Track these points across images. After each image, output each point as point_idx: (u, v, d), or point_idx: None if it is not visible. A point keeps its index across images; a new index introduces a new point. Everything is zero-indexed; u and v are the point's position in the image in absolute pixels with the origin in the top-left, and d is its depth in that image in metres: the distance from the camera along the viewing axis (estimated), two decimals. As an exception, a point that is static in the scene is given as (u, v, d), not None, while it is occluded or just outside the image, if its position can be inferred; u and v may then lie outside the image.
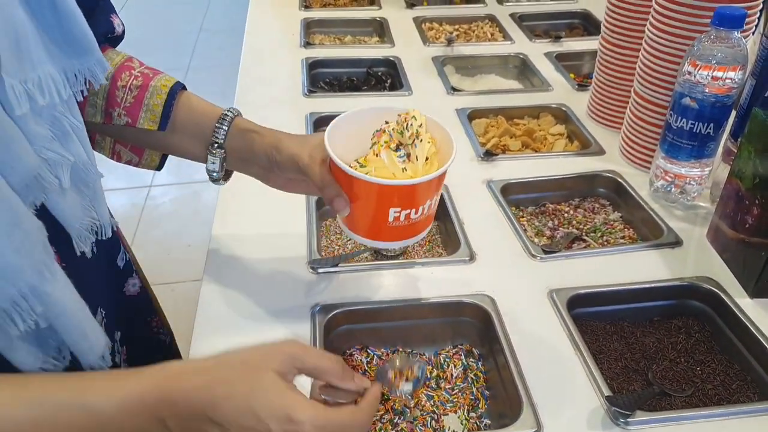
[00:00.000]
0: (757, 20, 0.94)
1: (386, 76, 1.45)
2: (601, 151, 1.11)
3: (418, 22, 1.66)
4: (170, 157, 0.81)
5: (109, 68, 0.63)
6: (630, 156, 1.06)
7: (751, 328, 0.74)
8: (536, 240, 0.95)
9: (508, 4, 1.78)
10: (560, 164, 1.07)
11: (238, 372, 0.49)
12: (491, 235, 0.91)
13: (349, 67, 1.46)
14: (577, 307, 0.79)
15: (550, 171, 1.05)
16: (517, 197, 1.02)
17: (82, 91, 0.56)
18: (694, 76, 0.85)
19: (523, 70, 1.48)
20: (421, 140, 0.64)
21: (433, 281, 0.83)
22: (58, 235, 0.55)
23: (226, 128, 0.72)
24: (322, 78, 1.45)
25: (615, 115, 1.16)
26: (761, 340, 0.73)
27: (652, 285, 0.81)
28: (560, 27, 1.72)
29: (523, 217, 1.01)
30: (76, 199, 0.58)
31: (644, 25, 1.00)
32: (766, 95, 0.85)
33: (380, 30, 1.66)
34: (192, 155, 0.76)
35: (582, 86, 1.33)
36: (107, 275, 0.69)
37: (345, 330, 0.79)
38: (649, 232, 0.94)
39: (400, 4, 1.78)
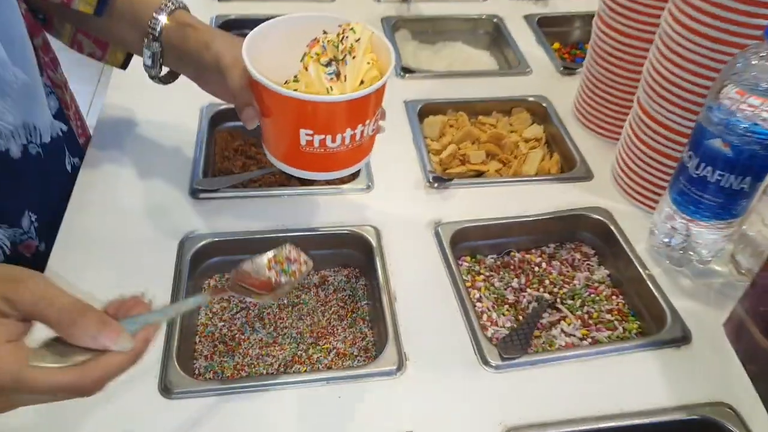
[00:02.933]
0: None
1: (323, 43, 1.13)
2: (588, 175, 0.84)
3: (371, -36, 1.32)
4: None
5: None
6: (626, 187, 0.80)
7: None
8: (495, 315, 0.70)
9: (484, -58, 1.44)
10: (533, 195, 0.81)
11: None
12: (429, 322, 0.66)
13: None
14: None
15: (519, 205, 0.79)
16: (474, 243, 0.77)
17: None
18: (733, 108, 0.58)
19: (496, 38, 1.18)
20: (355, 57, 0.56)
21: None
22: None
23: (164, 19, 0.65)
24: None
25: (610, 122, 0.89)
26: None
27: (652, 420, 0.57)
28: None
29: (480, 273, 0.75)
30: None
31: (662, 10, 0.72)
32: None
33: (322, -26, 1.32)
34: (131, 47, 0.71)
35: (569, 70, 1.04)
36: (56, 179, 0.72)
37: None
38: (643, 306, 0.70)
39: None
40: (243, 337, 0.67)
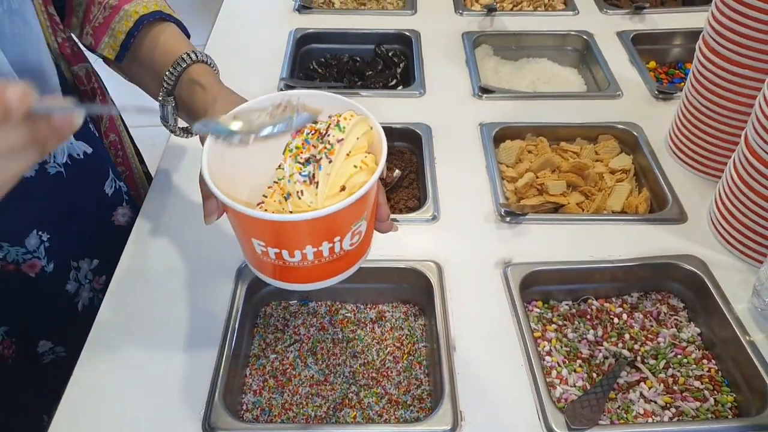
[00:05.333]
0: None
1: (399, 58, 1.10)
2: (681, 217, 0.75)
3: (455, -26, 1.27)
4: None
5: None
6: (726, 235, 0.71)
7: None
8: (565, 371, 0.64)
9: (577, -49, 1.35)
10: (617, 236, 0.73)
11: None
12: (490, 377, 0.60)
13: (353, 42, 1.12)
14: None
15: (600, 247, 0.72)
16: (547, 288, 0.70)
17: None
18: None
19: (585, 55, 1.09)
20: (331, 161, 0.47)
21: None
22: None
23: (177, 75, 0.61)
24: (316, 56, 1.11)
25: (710, 158, 0.80)
26: None
27: None
28: (645, -15, 1.29)
29: (551, 321, 0.69)
30: None
31: (779, 40, 0.63)
32: None
33: (404, -17, 1.28)
34: (153, 96, 0.66)
35: (665, 94, 0.95)
36: (81, 200, 0.70)
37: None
38: (741, 377, 0.61)
39: (435, -53, 1.37)
40: (294, 372, 0.64)
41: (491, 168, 0.83)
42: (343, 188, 0.48)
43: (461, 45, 1.08)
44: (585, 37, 1.09)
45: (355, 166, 0.48)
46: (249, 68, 1.02)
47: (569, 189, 0.84)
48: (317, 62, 1.10)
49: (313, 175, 0.48)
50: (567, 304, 0.71)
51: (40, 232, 0.66)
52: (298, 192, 0.48)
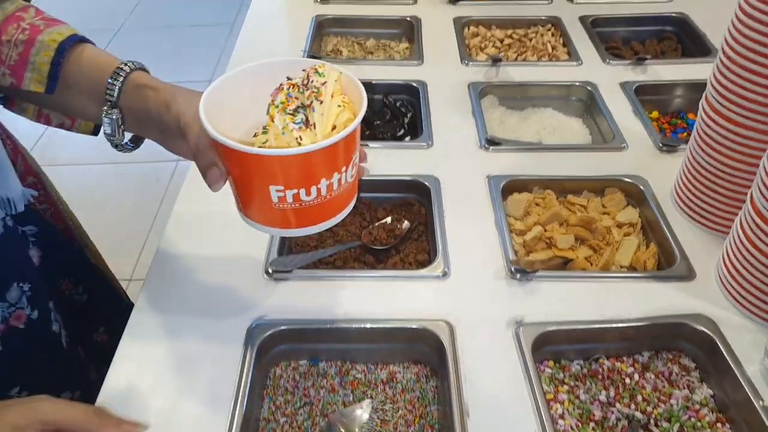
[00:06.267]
0: None
1: (406, 108, 1.11)
2: (689, 274, 0.76)
3: (460, 24, 1.30)
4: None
5: None
6: (735, 294, 0.72)
7: None
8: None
9: (579, 1, 1.38)
10: (627, 294, 0.74)
11: None
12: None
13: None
14: None
15: (610, 306, 0.72)
16: (558, 348, 0.71)
17: None
18: None
19: (589, 105, 1.11)
20: (322, 102, 0.52)
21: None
22: None
23: (120, 84, 0.61)
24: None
25: (716, 214, 0.81)
26: None
27: None
28: (645, 35, 1.32)
29: (564, 382, 0.69)
30: None
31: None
32: None
33: (410, 33, 1.31)
34: (91, 117, 0.66)
35: (669, 147, 0.96)
36: (12, 247, 0.69)
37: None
38: (756, 441, 0.61)
39: (440, -3, 1.41)
40: (305, 436, 0.64)
41: (500, 221, 0.84)
42: (334, 127, 0.53)
43: (467, 95, 1.10)
44: (589, 88, 1.11)
45: (339, 106, 0.53)
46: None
47: (577, 243, 0.85)
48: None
49: (307, 119, 0.52)
50: (578, 364, 0.71)
51: (20, 284, 0.67)
52: (297, 138, 0.51)
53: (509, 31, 1.30)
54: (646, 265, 0.80)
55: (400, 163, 0.95)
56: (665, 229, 0.83)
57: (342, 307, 0.72)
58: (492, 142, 0.98)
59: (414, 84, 1.12)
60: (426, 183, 0.91)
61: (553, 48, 1.24)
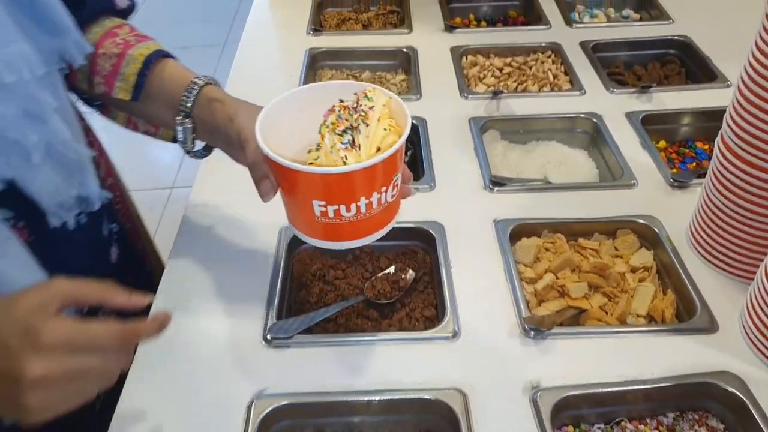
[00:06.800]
0: None
1: (406, 146, 1.08)
2: (711, 326, 0.72)
3: (458, 53, 1.27)
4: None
5: (88, 49, 0.65)
6: (763, 348, 0.68)
7: None
8: None
9: (578, 26, 1.36)
10: (647, 350, 0.70)
11: None
12: None
13: (358, 130, 1.10)
14: None
15: (630, 364, 0.68)
16: (578, 412, 0.67)
17: (64, 68, 0.62)
18: None
19: (595, 137, 1.08)
20: (368, 125, 0.57)
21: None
22: (31, 209, 0.61)
23: (194, 97, 0.68)
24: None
25: (736, 259, 0.77)
26: None
27: None
28: (647, 59, 1.29)
29: (584, 449, 0.65)
30: (52, 176, 0.61)
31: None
32: None
33: (407, 64, 1.28)
34: (168, 125, 0.72)
35: (681, 182, 0.93)
36: (94, 246, 0.74)
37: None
38: None
39: (436, 25, 1.38)
40: None
41: (509, 270, 0.81)
42: (378, 149, 0.57)
43: (468, 131, 1.06)
44: (594, 120, 1.07)
45: (385, 129, 0.58)
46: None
47: (591, 290, 0.81)
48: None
49: (353, 140, 0.57)
50: (599, 428, 0.67)
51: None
52: (342, 158, 0.56)
53: (508, 59, 1.27)
54: (664, 314, 0.77)
55: (403, 207, 0.92)
56: (682, 273, 0.79)
57: (347, 375, 0.68)
58: (497, 183, 0.95)
59: (413, 121, 1.08)
60: (430, 230, 0.87)
61: (555, 77, 1.20)
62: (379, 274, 0.84)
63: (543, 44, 1.29)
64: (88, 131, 0.78)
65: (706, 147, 1.08)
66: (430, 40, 1.32)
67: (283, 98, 0.63)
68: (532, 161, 1.06)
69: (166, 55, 0.72)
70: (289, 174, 0.57)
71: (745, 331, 0.70)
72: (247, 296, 0.77)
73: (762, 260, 0.73)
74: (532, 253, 0.85)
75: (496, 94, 1.12)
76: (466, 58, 1.28)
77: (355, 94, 0.59)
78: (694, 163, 1.05)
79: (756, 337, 0.68)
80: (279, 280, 0.80)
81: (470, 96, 1.14)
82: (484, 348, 0.71)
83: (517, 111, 1.11)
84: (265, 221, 0.87)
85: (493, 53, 1.28)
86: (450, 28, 1.35)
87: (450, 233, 0.87)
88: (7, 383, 0.46)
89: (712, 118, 1.08)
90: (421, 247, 0.88)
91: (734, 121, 0.72)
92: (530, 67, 1.25)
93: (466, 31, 1.36)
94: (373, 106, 0.57)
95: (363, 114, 0.57)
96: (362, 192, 0.57)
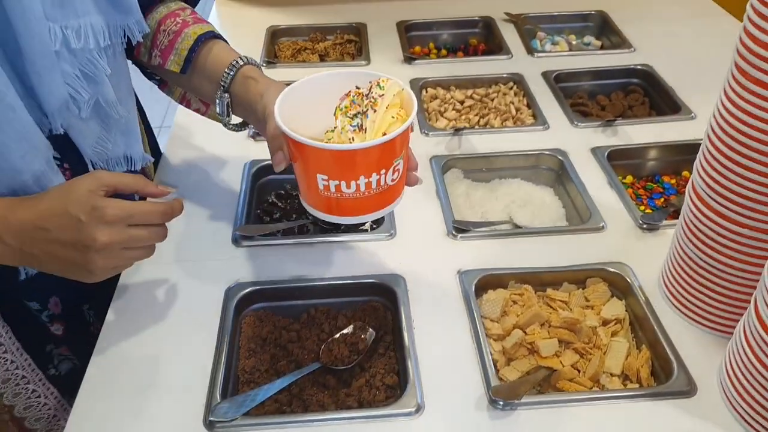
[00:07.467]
0: None
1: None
2: (690, 389, 0.68)
3: (417, 86, 1.22)
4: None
5: (146, 29, 0.75)
6: (744, 414, 0.63)
7: None
8: None
9: (540, 55, 1.32)
10: (628, 422, 0.65)
11: (54, 190, 0.62)
12: None
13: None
14: None
15: (607, 436, 0.63)
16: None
17: (123, 42, 0.73)
18: None
19: (560, 175, 1.04)
20: (376, 111, 0.61)
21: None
22: (75, 156, 0.72)
23: (233, 74, 0.75)
24: (275, 188, 1.03)
25: (713, 313, 0.73)
26: None
27: None
28: (610, 88, 1.26)
29: None
30: (96, 130, 0.73)
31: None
32: None
33: (366, 98, 1.22)
34: (209, 98, 0.81)
35: (651, 225, 0.89)
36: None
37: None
38: None
39: (395, 55, 1.33)
40: None
41: (475, 329, 0.75)
42: (384, 134, 0.61)
43: (430, 170, 1.01)
44: (559, 156, 1.03)
45: (393, 117, 0.62)
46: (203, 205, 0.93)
47: (561, 346, 0.76)
48: (276, 195, 1.02)
49: (361, 124, 0.61)
50: None
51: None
52: (350, 139, 0.61)
53: (469, 92, 1.23)
54: (639, 373, 0.72)
55: (362, 258, 0.86)
56: (656, 328, 0.75)
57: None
58: (460, 230, 0.90)
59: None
60: (391, 285, 0.81)
61: (518, 110, 1.17)
62: (337, 335, 0.78)
63: (504, 75, 1.25)
64: (140, 110, 0.89)
65: (674, 181, 1.05)
66: (388, 72, 1.25)
67: (304, 81, 0.68)
68: (497, 201, 1.02)
69: (216, 36, 0.80)
70: (298, 147, 0.62)
71: (725, 394, 0.66)
72: (189, 370, 0.70)
73: (738, 315, 0.70)
74: (499, 306, 0.80)
75: (457, 131, 1.08)
76: (426, 91, 1.23)
77: (370, 82, 0.63)
78: (662, 199, 1.02)
79: (736, 401, 0.64)
80: (225, 347, 0.73)
81: (431, 133, 1.09)
82: (450, 425, 0.65)
83: (480, 148, 1.06)
84: (210, 281, 0.81)
85: (453, 85, 1.24)
86: (409, 59, 1.30)
87: (412, 287, 0.81)
88: (80, 251, 0.59)
89: (678, 152, 1.06)
90: (381, 302, 0.82)
91: (705, 170, 0.68)
92: (492, 99, 1.21)
93: (426, 61, 1.32)
94: (383, 95, 0.61)
95: (373, 100, 0.61)
96: (362, 171, 0.61)
